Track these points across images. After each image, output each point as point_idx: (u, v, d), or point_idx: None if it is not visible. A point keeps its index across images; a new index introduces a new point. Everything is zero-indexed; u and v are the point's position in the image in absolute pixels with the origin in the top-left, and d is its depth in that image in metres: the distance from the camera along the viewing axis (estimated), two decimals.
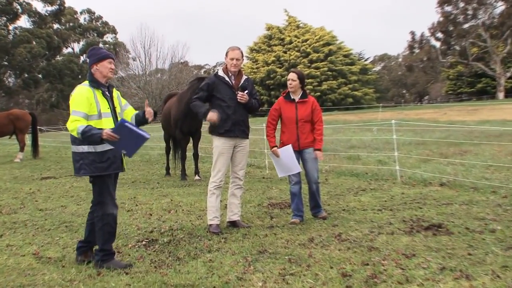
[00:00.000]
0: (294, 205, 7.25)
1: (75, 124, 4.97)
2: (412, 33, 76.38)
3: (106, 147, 5.13)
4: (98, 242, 5.27)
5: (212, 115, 6.58)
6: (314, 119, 7.28)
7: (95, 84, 5.19)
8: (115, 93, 5.43)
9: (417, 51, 77.22)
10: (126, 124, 4.99)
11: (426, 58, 73.44)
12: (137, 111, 5.57)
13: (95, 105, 5.09)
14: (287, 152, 7.10)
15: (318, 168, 7.47)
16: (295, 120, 7.17)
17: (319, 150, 7.25)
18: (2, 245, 6.32)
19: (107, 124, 5.11)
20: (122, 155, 5.33)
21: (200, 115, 6.80)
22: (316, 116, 7.30)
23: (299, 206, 7.24)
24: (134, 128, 5.03)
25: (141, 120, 5.45)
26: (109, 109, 5.21)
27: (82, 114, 5.01)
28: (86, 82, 5.23)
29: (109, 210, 5.22)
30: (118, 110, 5.35)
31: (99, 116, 5.10)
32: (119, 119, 5.26)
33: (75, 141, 5.17)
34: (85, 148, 5.12)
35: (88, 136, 4.93)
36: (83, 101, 5.04)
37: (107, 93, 5.27)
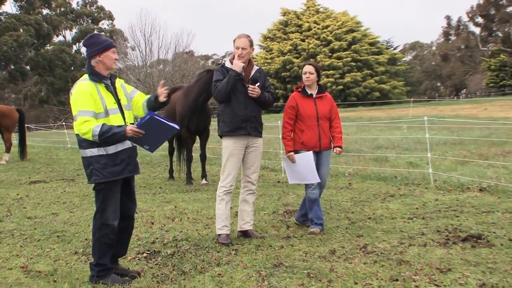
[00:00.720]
0: (313, 213, 7.26)
1: (87, 126, 4.94)
2: (448, 17, 76.22)
3: (119, 147, 5.17)
4: (93, 255, 5.30)
5: (236, 64, 6.73)
6: (332, 116, 7.43)
7: (96, 77, 5.17)
8: (118, 83, 5.41)
9: (453, 38, 76.85)
10: (156, 117, 5.02)
11: (463, 46, 73.08)
12: (148, 96, 5.57)
13: (100, 102, 5.07)
14: (306, 159, 7.11)
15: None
16: (316, 118, 7.21)
17: (340, 147, 7.35)
18: None
19: (115, 122, 5.11)
20: (136, 155, 5.37)
21: (231, 78, 6.71)
22: (334, 113, 7.47)
23: (318, 214, 7.26)
24: (164, 120, 5.08)
25: (153, 105, 5.46)
26: (116, 103, 5.21)
27: (91, 113, 4.99)
28: (86, 76, 5.20)
29: (109, 221, 5.21)
30: (124, 102, 5.34)
31: (106, 113, 5.09)
32: (125, 113, 5.29)
33: (81, 144, 5.16)
34: (94, 151, 5.10)
35: (109, 136, 4.94)
36: (88, 99, 5.02)
37: (110, 85, 5.27)
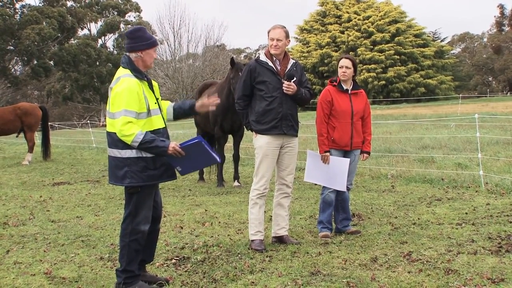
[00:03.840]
0: (327, 216, 7.37)
1: (130, 128, 4.98)
2: (501, 6, 74.95)
3: None
4: (121, 260, 5.33)
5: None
6: (365, 114, 7.48)
7: (139, 74, 5.22)
8: (155, 84, 5.48)
9: (507, 29, 75.58)
10: (204, 143, 5.14)
11: None
12: (173, 103, 5.63)
13: (144, 101, 5.12)
14: (341, 165, 7.14)
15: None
16: (350, 115, 7.25)
17: (369, 153, 7.57)
18: (9, 262, 6.51)
19: (157, 123, 5.19)
20: None
21: (248, 127, 7.10)
22: (367, 111, 7.53)
23: (330, 218, 7.41)
24: (209, 149, 5.21)
25: (184, 113, 5.61)
26: (156, 104, 5.27)
27: (134, 114, 5.04)
28: (129, 72, 5.21)
29: (141, 227, 5.24)
30: (160, 102, 5.43)
31: (149, 113, 5.15)
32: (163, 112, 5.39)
33: (117, 144, 5.15)
34: (132, 153, 5.11)
35: (150, 147, 5.01)
36: (134, 98, 5.06)
37: (150, 84, 5.34)
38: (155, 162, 5.15)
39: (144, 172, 5.13)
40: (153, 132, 5.12)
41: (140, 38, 5.24)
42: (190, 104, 5.57)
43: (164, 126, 5.31)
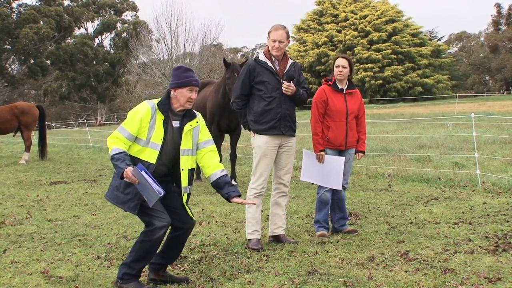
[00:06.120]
0: (323, 215, 7.36)
1: (113, 142, 5.10)
2: (498, 5, 74.96)
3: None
4: (130, 254, 5.32)
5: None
6: (359, 113, 7.47)
7: (163, 107, 5.24)
8: (191, 126, 5.37)
9: (504, 28, 75.64)
10: (142, 172, 4.92)
11: None
12: (223, 174, 5.50)
13: (147, 130, 5.16)
14: (336, 164, 7.14)
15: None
16: (345, 114, 7.24)
17: (364, 152, 7.55)
18: (6, 261, 6.50)
19: (148, 155, 5.17)
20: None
21: (245, 126, 7.07)
22: (362, 111, 7.52)
23: (326, 217, 7.40)
24: (149, 179, 4.93)
25: (220, 192, 5.52)
26: (162, 140, 5.22)
27: (126, 133, 5.12)
28: (155, 101, 5.28)
29: (156, 232, 5.17)
30: (186, 146, 5.34)
31: (147, 143, 5.18)
32: (182, 158, 5.31)
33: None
34: None
35: (114, 165, 5.03)
36: (135, 121, 5.13)
37: (173, 123, 5.29)
38: (124, 186, 5.13)
39: (115, 190, 5.21)
40: (140, 161, 5.14)
41: (175, 77, 5.26)
42: (227, 194, 5.45)
43: (154, 163, 5.20)
